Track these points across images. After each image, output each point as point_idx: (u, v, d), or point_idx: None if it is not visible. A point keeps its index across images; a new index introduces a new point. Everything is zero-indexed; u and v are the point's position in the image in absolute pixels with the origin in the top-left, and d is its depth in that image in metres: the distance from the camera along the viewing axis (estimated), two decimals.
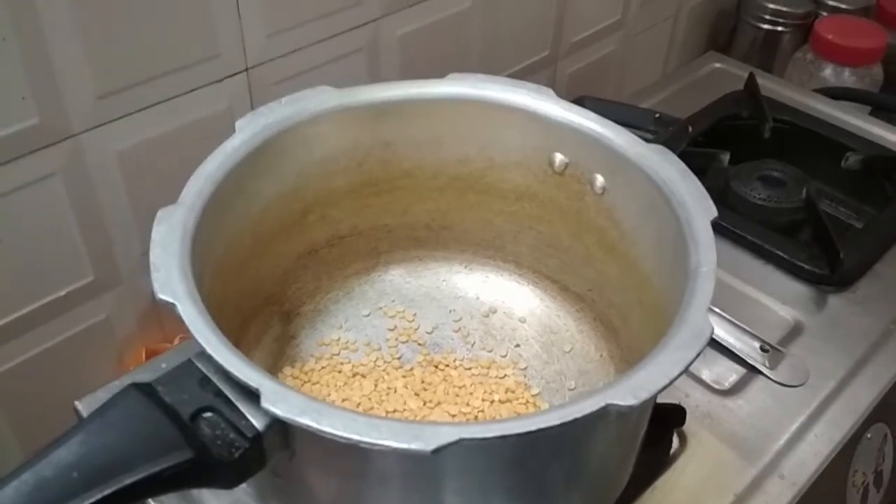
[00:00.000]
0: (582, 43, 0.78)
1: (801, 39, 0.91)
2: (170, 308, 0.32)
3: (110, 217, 0.53)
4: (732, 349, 0.53)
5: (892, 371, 0.54)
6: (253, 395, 0.29)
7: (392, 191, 0.48)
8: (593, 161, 0.43)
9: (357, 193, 0.47)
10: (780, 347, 0.54)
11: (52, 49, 0.46)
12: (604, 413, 0.30)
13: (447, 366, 0.47)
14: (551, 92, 0.44)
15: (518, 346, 0.49)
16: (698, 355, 0.31)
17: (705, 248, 0.36)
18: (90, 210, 0.52)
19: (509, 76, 0.72)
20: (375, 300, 0.50)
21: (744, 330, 0.54)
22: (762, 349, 0.53)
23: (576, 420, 0.29)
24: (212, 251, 0.38)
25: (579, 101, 0.45)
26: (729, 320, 0.54)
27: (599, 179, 0.44)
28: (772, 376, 0.52)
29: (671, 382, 0.31)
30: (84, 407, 0.48)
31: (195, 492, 0.44)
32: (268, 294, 0.46)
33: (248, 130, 0.41)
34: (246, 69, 0.55)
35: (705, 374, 0.53)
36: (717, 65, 0.84)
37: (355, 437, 0.28)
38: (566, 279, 0.49)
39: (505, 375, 0.47)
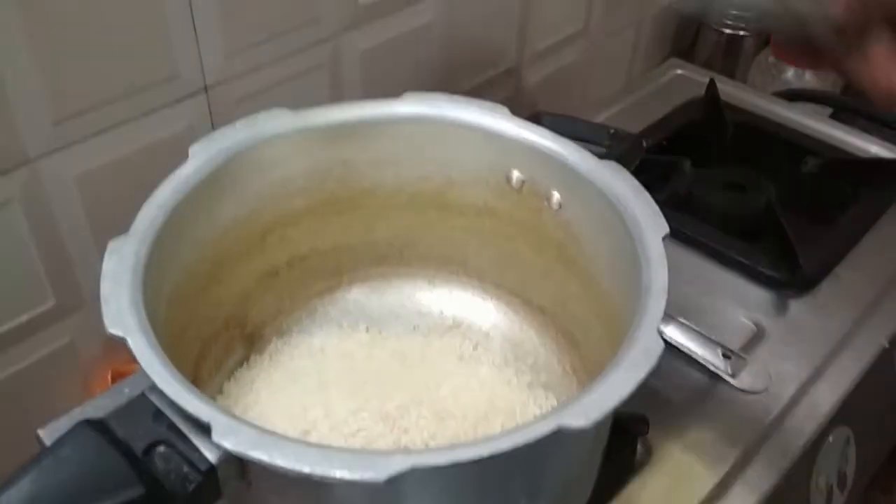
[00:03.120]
0: (545, 53, 0.78)
1: (763, 42, 0.92)
2: (121, 342, 0.32)
3: (71, 242, 0.53)
4: (694, 357, 0.54)
5: (853, 374, 0.55)
6: (205, 429, 0.29)
7: (352, 209, 0.48)
8: (549, 178, 0.44)
9: (317, 213, 0.47)
10: (741, 354, 0.54)
11: (5, 75, 0.45)
12: (556, 434, 0.30)
13: None
14: (506, 110, 0.45)
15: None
16: (649, 374, 0.32)
17: (656, 265, 0.36)
18: (50, 235, 0.52)
19: (472, 88, 0.73)
20: (339, 319, 0.50)
21: (706, 337, 0.55)
22: (724, 356, 0.54)
23: (528, 443, 0.30)
24: (168, 279, 0.38)
25: (536, 117, 0.46)
26: (691, 328, 0.55)
27: (556, 196, 0.44)
28: (734, 383, 0.53)
29: (622, 402, 0.31)
30: (46, 435, 0.48)
31: None
32: (229, 317, 0.46)
33: (202, 156, 0.40)
34: (205, 89, 0.55)
35: (669, 383, 0.53)
36: (679, 71, 0.85)
37: (307, 469, 0.28)
38: (529, 293, 0.50)
39: None
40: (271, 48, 0.57)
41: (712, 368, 0.53)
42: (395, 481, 0.28)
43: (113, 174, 0.52)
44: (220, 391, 0.45)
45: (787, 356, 0.55)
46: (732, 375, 0.53)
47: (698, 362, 0.54)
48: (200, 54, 0.53)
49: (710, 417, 0.52)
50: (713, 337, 0.55)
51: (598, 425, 0.31)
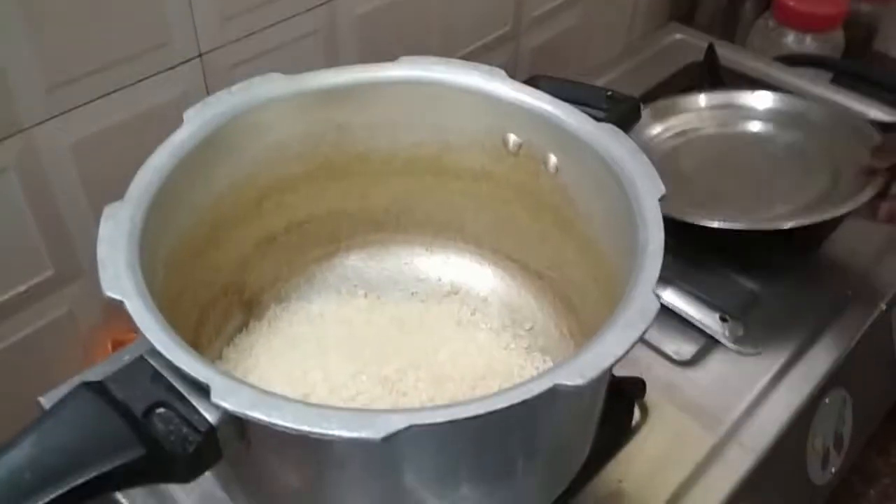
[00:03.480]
0: (543, 17, 0.77)
1: (763, 6, 0.91)
2: (118, 305, 0.32)
3: (67, 210, 0.53)
4: (692, 321, 0.54)
5: (849, 337, 0.55)
6: (204, 390, 0.30)
7: (349, 175, 0.48)
8: (546, 141, 0.44)
9: (313, 179, 0.47)
10: (739, 317, 0.55)
11: None
12: (553, 393, 0.30)
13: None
14: (503, 72, 0.44)
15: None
16: (644, 333, 0.32)
17: (653, 226, 0.36)
18: (46, 204, 0.52)
19: (470, 53, 0.72)
20: (337, 285, 0.50)
21: (703, 301, 0.55)
22: (721, 319, 0.54)
23: (525, 402, 0.30)
24: (165, 243, 0.38)
25: (532, 81, 0.45)
26: (689, 291, 0.55)
27: (552, 159, 0.44)
28: (731, 346, 0.53)
29: (618, 361, 0.31)
30: (48, 402, 0.48)
31: (162, 486, 0.45)
32: (226, 283, 0.46)
33: (197, 121, 0.40)
34: (199, 55, 0.55)
35: (666, 346, 0.53)
36: (679, 36, 0.84)
37: (305, 428, 0.28)
38: (526, 258, 0.50)
39: None
40: (266, 13, 0.56)
41: (710, 332, 0.54)
42: (392, 439, 0.28)
43: (108, 141, 0.52)
44: (220, 357, 0.45)
45: (784, 319, 0.56)
46: (730, 339, 0.53)
47: (697, 326, 0.54)
48: (194, 20, 0.53)
49: (708, 380, 0.52)
50: (711, 300, 0.55)
51: (593, 384, 0.31)
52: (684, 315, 0.54)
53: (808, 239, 0.54)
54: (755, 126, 0.66)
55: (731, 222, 0.54)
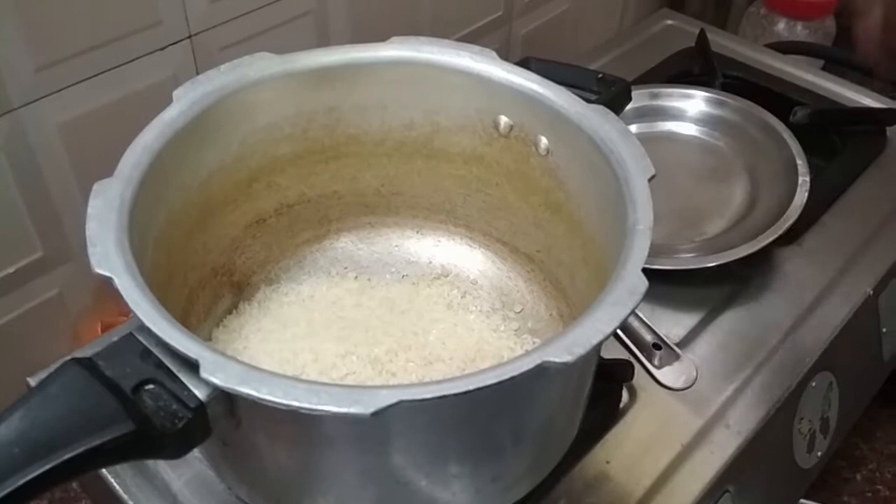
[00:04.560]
0: (535, 2, 0.77)
1: None
2: (108, 282, 0.32)
3: (56, 191, 0.53)
4: (622, 341, 0.52)
5: (836, 321, 0.56)
6: (193, 366, 0.30)
7: (339, 157, 0.48)
8: (537, 122, 0.44)
9: (303, 161, 0.47)
10: (676, 347, 0.53)
11: None
12: (540, 370, 0.30)
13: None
14: (494, 54, 0.44)
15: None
16: (632, 311, 0.32)
17: (642, 206, 0.36)
18: (35, 185, 0.51)
19: (462, 38, 0.72)
20: (327, 267, 0.50)
21: (645, 324, 0.53)
22: (654, 346, 0.52)
23: (513, 378, 0.30)
24: (154, 222, 0.38)
25: (524, 63, 0.45)
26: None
27: (543, 141, 0.44)
28: (657, 375, 0.51)
29: (605, 338, 0.31)
30: (37, 383, 0.48)
31: (152, 465, 0.45)
32: (216, 265, 0.45)
33: (186, 100, 0.40)
34: (189, 36, 0.54)
35: (655, 329, 0.54)
36: (670, 22, 0.84)
37: (295, 403, 0.28)
38: (516, 241, 0.50)
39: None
40: None
41: (638, 355, 0.52)
42: (381, 415, 0.28)
43: (96, 122, 0.52)
44: (209, 338, 0.45)
45: (772, 303, 0.56)
46: (658, 368, 0.52)
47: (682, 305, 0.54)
48: (184, 0, 0.53)
49: (695, 363, 0.52)
50: (651, 324, 0.53)
51: (581, 361, 0.31)
52: (618, 333, 0.52)
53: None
54: (668, 126, 0.68)
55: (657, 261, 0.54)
